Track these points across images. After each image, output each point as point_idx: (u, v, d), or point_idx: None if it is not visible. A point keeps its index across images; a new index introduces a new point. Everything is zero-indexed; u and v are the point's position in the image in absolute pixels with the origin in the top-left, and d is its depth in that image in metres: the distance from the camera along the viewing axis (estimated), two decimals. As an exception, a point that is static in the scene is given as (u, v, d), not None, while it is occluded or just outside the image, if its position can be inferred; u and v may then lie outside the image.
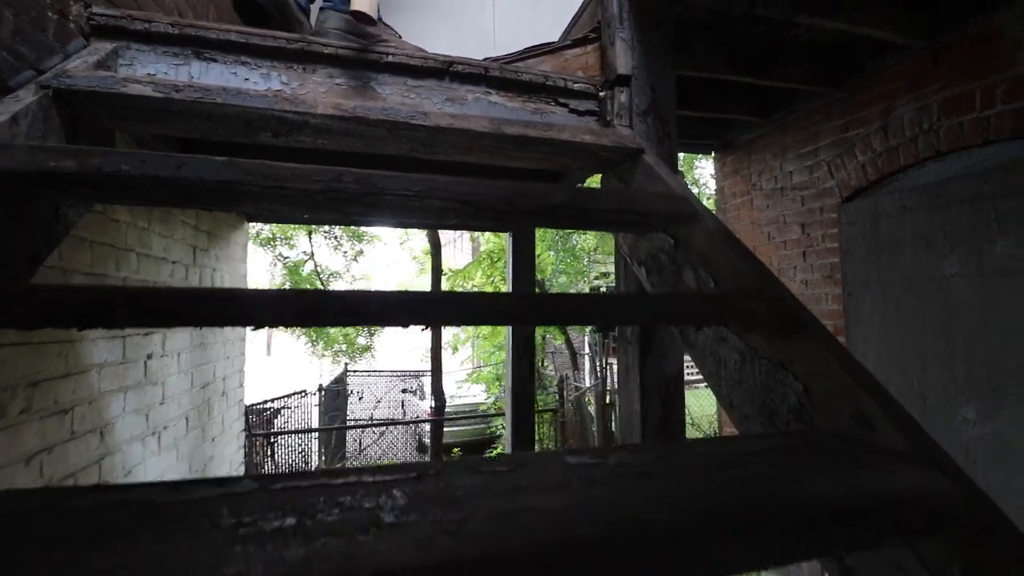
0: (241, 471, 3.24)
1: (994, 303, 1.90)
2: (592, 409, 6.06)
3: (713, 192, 3.80)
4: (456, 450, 9.98)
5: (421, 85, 1.37)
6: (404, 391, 9.95)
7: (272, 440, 5.52)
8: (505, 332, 3.31)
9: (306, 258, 9.58)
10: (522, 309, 0.71)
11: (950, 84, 2.00)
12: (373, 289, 0.99)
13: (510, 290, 2.95)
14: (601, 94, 1.49)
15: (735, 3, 1.77)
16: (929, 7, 1.98)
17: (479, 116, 1.15)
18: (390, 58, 1.33)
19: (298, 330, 10.41)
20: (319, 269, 9.36)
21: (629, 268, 1.34)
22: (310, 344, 10.56)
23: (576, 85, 1.47)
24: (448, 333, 7.55)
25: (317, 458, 6.70)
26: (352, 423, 7.85)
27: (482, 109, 1.41)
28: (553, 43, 1.64)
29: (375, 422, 7.47)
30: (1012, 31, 1.81)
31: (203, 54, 1.23)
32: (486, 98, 1.42)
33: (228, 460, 2.87)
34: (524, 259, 2.91)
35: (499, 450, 8.81)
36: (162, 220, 1.65)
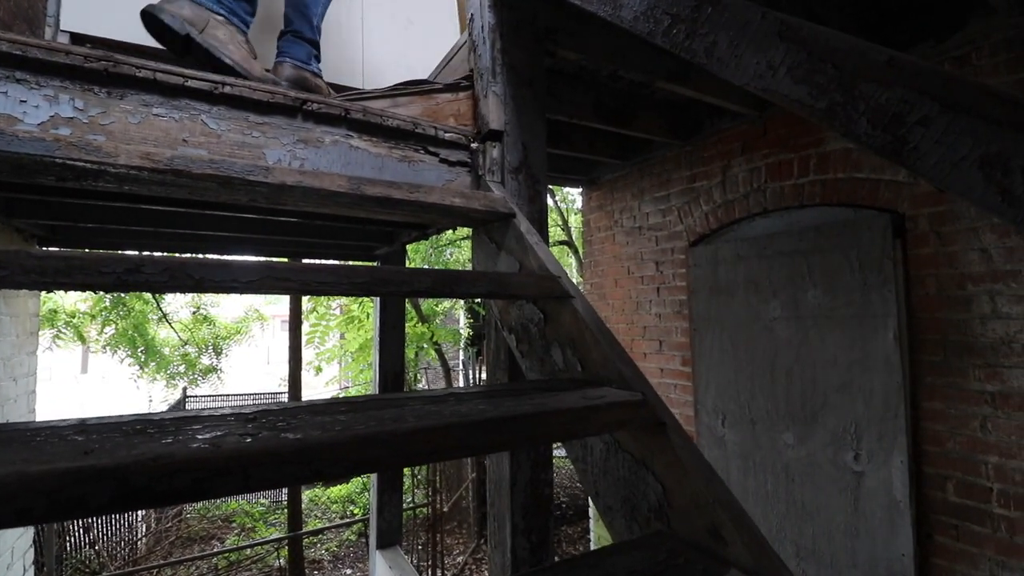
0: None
1: (806, 343, 2.20)
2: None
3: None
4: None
5: (267, 123, 1.19)
6: (258, 416, 8.96)
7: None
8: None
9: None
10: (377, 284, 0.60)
11: (775, 151, 2.29)
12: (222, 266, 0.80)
13: (378, 353, 2.78)
14: (473, 146, 1.44)
15: (601, 66, 1.83)
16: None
17: (335, 174, 1.01)
18: (227, 89, 1.13)
19: (120, 350, 8.87)
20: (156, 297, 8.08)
21: (499, 330, 1.30)
22: (136, 366, 9.05)
23: (448, 135, 1.40)
24: (310, 352, 6.97)
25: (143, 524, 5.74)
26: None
27: (341, 154, 1.27)
28: (424, 83, 1.54)
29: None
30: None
31: (-48, 63, 0.93)
32: (347, 142, 1.28)
33: (10, 548, 2.27)
34: (392, 320, 2.77)
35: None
36: None
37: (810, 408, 2.21)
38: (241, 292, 0.70)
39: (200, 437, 0.51)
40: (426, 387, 9.46)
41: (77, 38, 2.18)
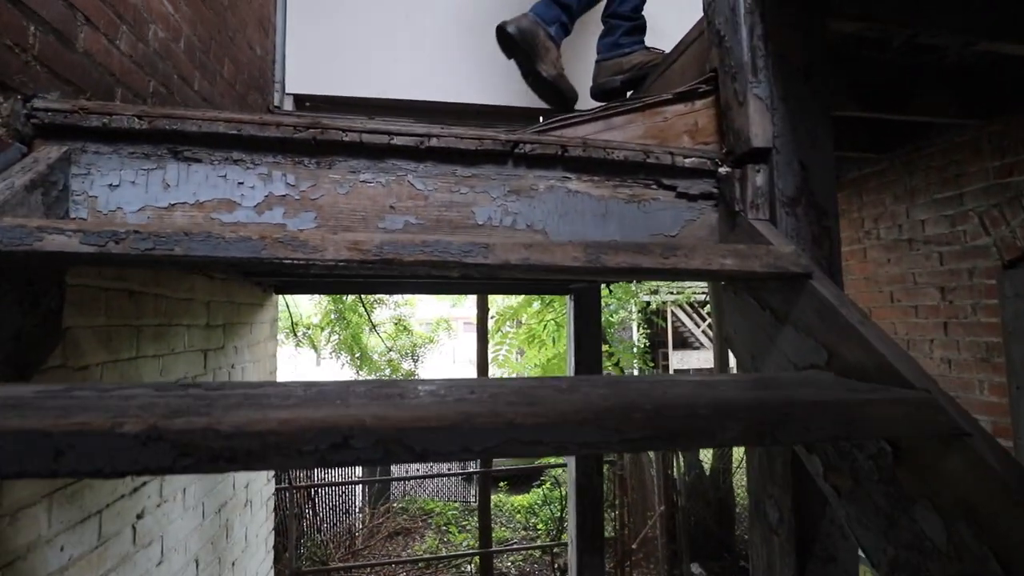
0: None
1: None
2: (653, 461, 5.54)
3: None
4: (504, 483, 9.58)
5: (475, 175, 1.00)
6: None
7: (313, 494, 5.28)
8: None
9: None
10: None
11: None
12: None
13: (572, 360, 2.54)
14: (722, 171, 1.08)
15: (892, 33, 1.32)
16: None
17: (567, 244, 0.76)
18: (434, 141, 0.96)
19: (342, 355, 10.32)
20: (362, 298, 9.20)
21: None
22: (355, 369, 10.43)
23: (688, 160, 1.06)
24: (493, 367, 7.17)
25: (361, 501, 6.46)
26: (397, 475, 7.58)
27: (558, 203, 1.02)
28: (644, 97, 1.23)
29: (422, 475, 7.16)
30: None
31: (182, 152, 0.90)
32: (563, 186, 1.03)
33: (255, 533, 2.56)
34: (587, 324, 2.50)
35: (547, 484, 8.35)
36: (156, 338, 1.35)
37: None
38: (475, 458, 0.48)
39: None
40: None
41: (300, 99, 2.37)
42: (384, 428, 0.46)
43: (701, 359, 15.38)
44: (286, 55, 2.26)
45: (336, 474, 6.78)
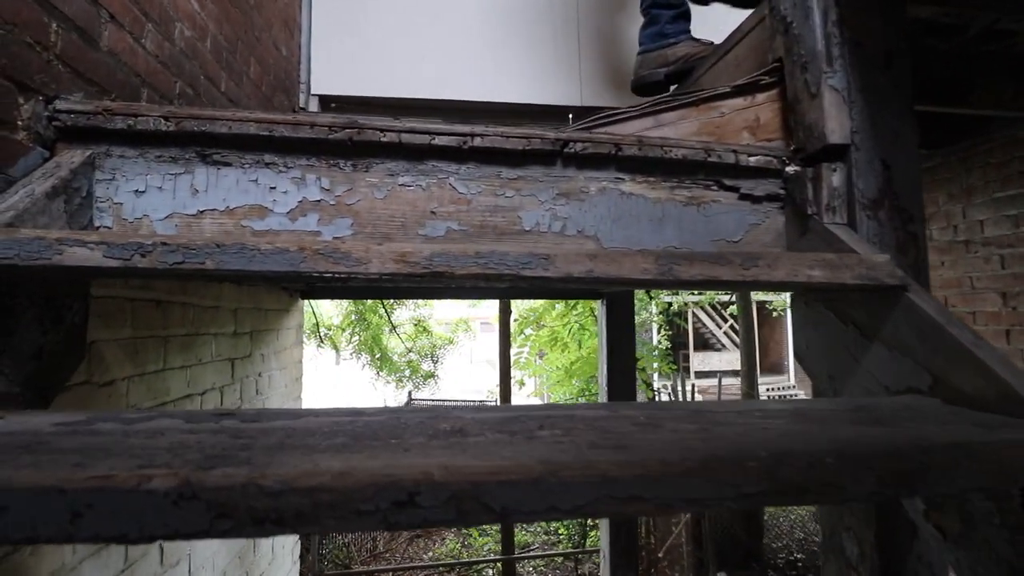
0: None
1: None
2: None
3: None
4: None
5: (521, 176, 0.92)
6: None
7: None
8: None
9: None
10: None
11: None
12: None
13: (604, 368, 2.44)
14: (789, 170, 0.98)
15: (970, 19, 1.21)
16: None
17: (637, 253, 0.68)
18: (477, 141, 0.89)
19: (363, 356, 10.35)
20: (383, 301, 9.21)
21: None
22: (375, 370, 10.46)
23: (752, 159, 0.97)
24: (516, 371, 7.09)
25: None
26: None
27: (611, 206, 0.94)
28: (698, 91, 1.14)
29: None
30: None
31: (211, 156, 0.84)
32: (616, 188, 0.95)
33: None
34: (621, 330, 2.40)
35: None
36: (183, 348, 1.30)
37: None
38: (563, 519, 0.40)
39: None
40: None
41: (325, 100, 2.33)
42: (457, 482, 0.38)
43: (724, 361, 15.11)
44: (311, 55, 2.22)
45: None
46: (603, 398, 2.66)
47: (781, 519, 6.79)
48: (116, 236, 0.60)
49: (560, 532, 7.30)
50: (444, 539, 7.39)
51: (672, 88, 1.63)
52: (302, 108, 2.16)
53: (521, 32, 2.39)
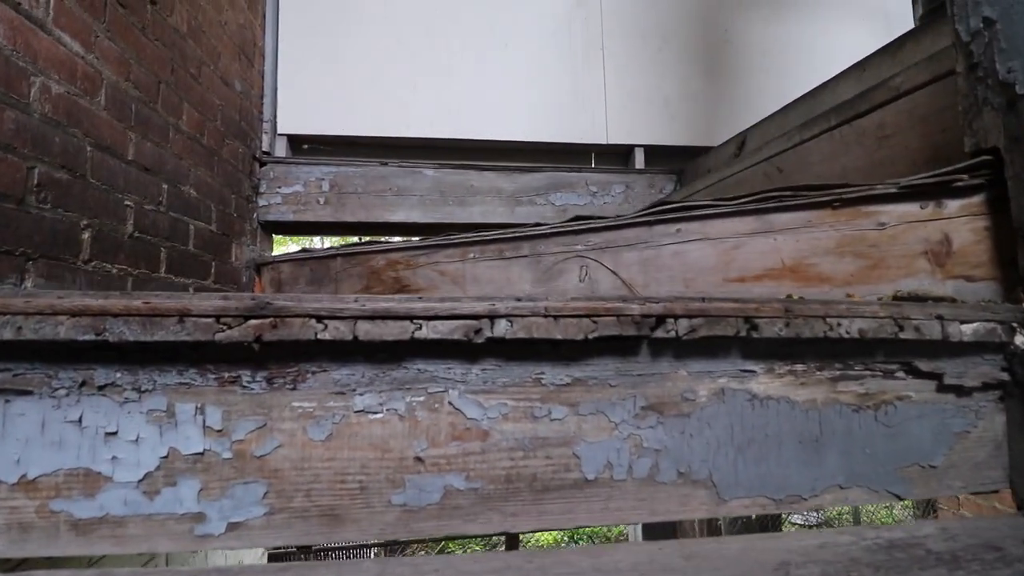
0: None
1: None
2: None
3: None
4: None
5: (578, 380, 0.52)
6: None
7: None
8: None
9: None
10: None
11: None
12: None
13: None
14: (1019, 342, 0.58)
15: None
16: None
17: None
18: (500, 327, 0.48)
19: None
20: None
21: None
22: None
23: (967, 327, 0.56)
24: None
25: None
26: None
27: (731, 421, 0.54)
28: (838, 187, 0.74)
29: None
30: None
31: (-14, 381, 0.43)
32: (743, 388, 0.55)
33: None
34: None
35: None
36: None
37: None
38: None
39: None
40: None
41: (296, 141, 1.91)
42: None
43: None
44: (278, 87, 1.80)
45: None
46: None
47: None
48: None
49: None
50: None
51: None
52: (266, 152, 1.75)
53: (534, 59, 1.97)
